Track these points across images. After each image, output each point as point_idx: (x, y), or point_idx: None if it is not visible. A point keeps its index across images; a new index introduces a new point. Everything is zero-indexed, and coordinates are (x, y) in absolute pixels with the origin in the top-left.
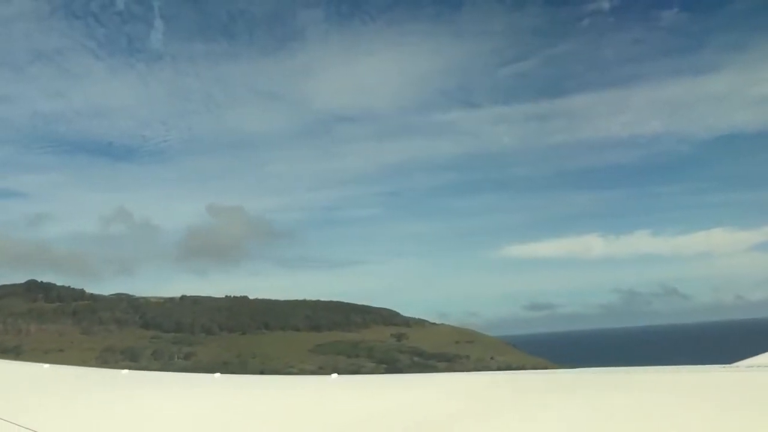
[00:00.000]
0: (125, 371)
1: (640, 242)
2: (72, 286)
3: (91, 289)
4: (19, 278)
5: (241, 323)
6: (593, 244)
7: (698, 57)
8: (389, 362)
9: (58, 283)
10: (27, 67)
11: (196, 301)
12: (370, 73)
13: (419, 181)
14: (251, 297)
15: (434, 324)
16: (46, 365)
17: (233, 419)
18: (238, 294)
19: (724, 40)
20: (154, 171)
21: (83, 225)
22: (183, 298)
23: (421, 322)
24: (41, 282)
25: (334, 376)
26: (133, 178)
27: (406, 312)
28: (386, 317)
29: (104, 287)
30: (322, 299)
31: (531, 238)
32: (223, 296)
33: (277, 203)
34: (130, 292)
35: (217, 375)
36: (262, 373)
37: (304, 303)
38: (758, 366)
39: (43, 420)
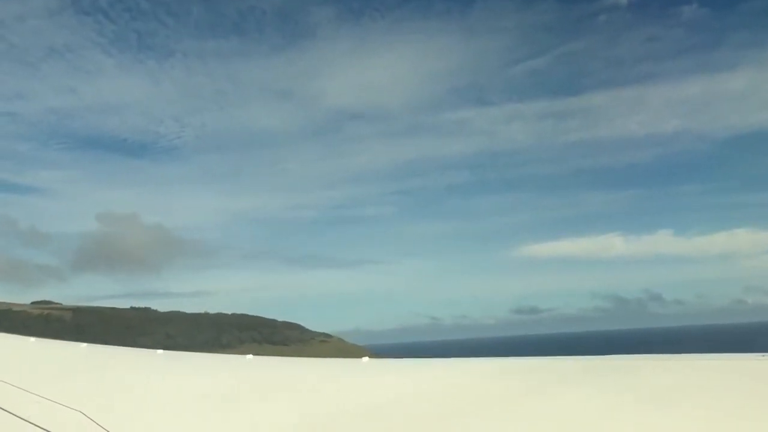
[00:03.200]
0: (160, 351)
1: (662, 242)
2: None
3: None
4: None
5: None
6: (613, 244)
7: (717, 54)
8: None
9: None
10: (39, 63)
11: (94, 311)
12: (380, 70)
13: (432, 179)
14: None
15: (324, 341)
16: (83, 344)
17: (268, 399)
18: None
19: (743, 37)
20: (168, 167)
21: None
22: (79, 309)
23: (321, 337)
24: None
25: (365, 359)
26: (147, 175)
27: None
28: (285, 332)
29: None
30: (231, 312)
31: (548, 238)
32: (129, 307)
33: (289, 201)
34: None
35: (250, 356)
36: None
37: (205, 316)
38: None
39: (86, 400)
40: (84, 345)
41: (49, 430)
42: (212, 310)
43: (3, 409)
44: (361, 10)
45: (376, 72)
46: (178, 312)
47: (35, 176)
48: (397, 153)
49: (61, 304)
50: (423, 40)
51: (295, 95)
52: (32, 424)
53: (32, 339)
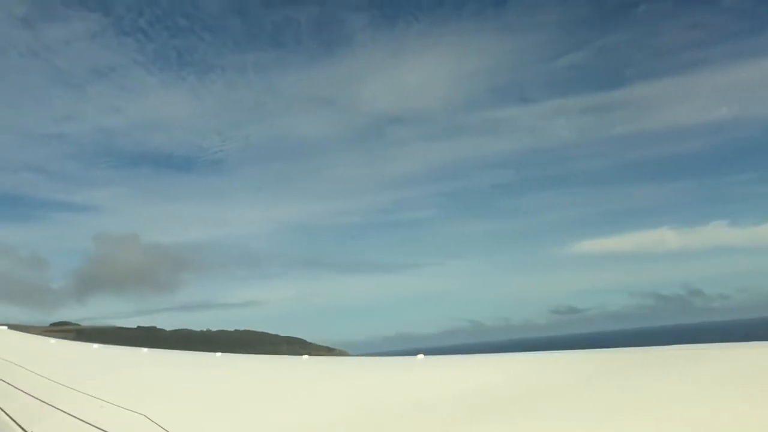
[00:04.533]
0: (219, 354)
1: (717, 234)
2: None
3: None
4: None
5: None
6: (665, 238)
7: (764, 37)
8: None
9: None
10: (85, 85)
11: (99, 332)
12: (418, 73)
13: (476, 180)
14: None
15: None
16: (145, 350)
17: (325, 398)
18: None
19: None
20: (212, 180)
21: (148, 238)
22: (82, 330)
23: (323, 351)
24: None
25: (421, 356)
26: (193, 189)
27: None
28: (285, 348)
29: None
30: (234, 329)
31: (596, 235)
32: (136, 327)
33: (333, 208)
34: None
35: (306, 357)
36: None
37: (206, 334)
38: None
39: (149, 403)
40: (145, 350)
41: None
42: (240, 325)
43: (70, 414)
44: (395, 15)
45: (414, 75)
46: (185, 330)
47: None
48: (440, 155)
49: (79, 324)
50: (459, 40)
51: (335, 102)
52: (97, 428)
53: (95, 346)
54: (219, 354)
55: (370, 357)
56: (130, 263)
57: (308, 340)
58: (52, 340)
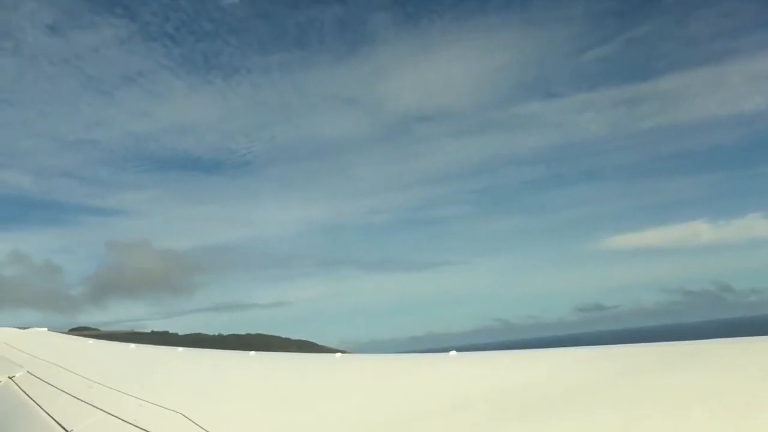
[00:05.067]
0: (252, 353)
1: (752, 226)
2: None
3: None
4: None
5: None
6: (699, 231)
7: None
8: None
9: None
10: (114, 91)
11: (115, 336)
12: (444, 70)
13: (506, 176)
14: (247, 332)
15: None
16: (180, 348)
17: (361, 395)
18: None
19: None
20: (241, 182)
21: (179, 240)
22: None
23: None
24: None
25: (453, 352)
26: (223, 191)
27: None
28: (294, 351)
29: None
30: (246, 332)
31: (630, 229)
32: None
33: (362, 207)
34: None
35: (339, 354)
36: None
37: (219, 338)
38: None
39: (186, 402)
40: (180, 349)
41: None
42: (267, 327)
43: (110, 413)
44: (418, 13)
45: (440, 72)
46: (197, 334)
47: (118, 199)
48: (468, 152)
49: (98, 329)
50: (484, 36)
51: (361, 102)
52: (137, 427)
53: (132, 345)
54: (253, 353)
55: (404, 354)
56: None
57: (319, 343)
58: (90, 341)
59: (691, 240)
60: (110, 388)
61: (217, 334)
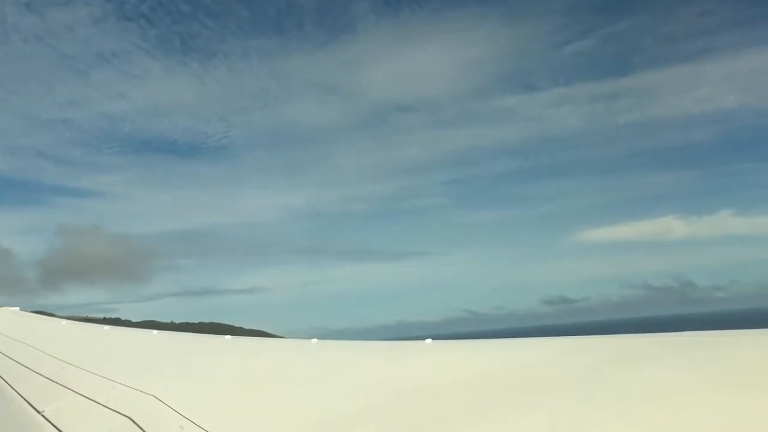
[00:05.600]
0: (228, 336)
1: (724, 222)
2: None
3: None
4: None
5: None
6: (671, 227)
7: None
8: None
9: None
10: (89, 70)
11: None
12: (424, 61)
13: (484, 168)
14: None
15: None
16: (155, 331)
17: (334, 381)
18: None
19: None
20: (216, 166)
21: (152, 224)
22: None
23: None
24: None
25: (429, 340)
26: (198, 175)
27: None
28: None
29: None
30: (198, 321)
31: (604, 223)
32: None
33: (339, 195)
34: None
35: (314, 340)
36: None
37: (170, 326)
38: None
39: (160, 385)
40: (155, 332)
41: (125, 414)
42: (195, 318)
43: (81, 394)
44: (398, 2)
45: (420, 63)
46: (149, 321)
47: (91, 180)
48: (447, 143)
49: (53, 314)
50: (464, 28)
51: (340, 89)
52: (110, 408)
53: (106, 327)
54: (228, 337)
55: (380, 341)
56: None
57: (272, 332)
58: (64, 321)
59: (664, 235)
60: (84, 369)
61: (169, 321)
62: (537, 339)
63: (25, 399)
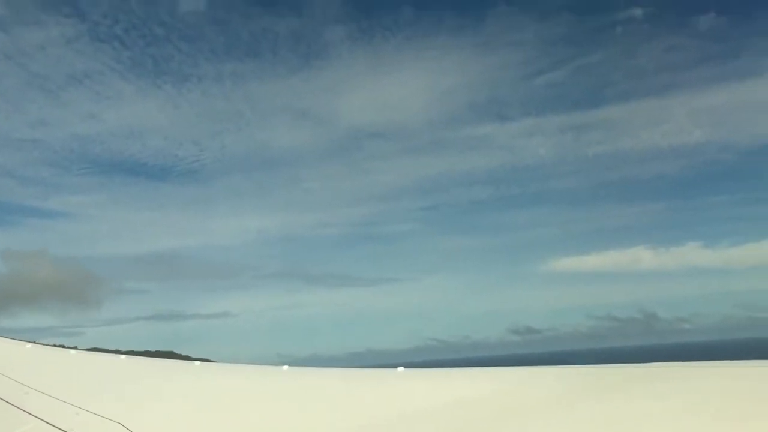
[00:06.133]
0: (197, 362)
1: (692, 254)
2: None
3: None
4: None
5: None
6: (642, 257)
7: (739, 62)
8: None
9: None
10: (60, 91)
11: None
12: (397, 88)
13: (455, 195)
14: None
15: None
16: (123, 356)
17: (305, 409)
18: None
19: (764, 45)
20: (188, 190)
21: (127, 245)
22: None
23: None
24: None
25: (401, 369)
26: (169, 198)
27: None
28: None
29: None
30: (144, 349)
31: (575, 253)
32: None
33: (311, 220)
34: None
35: (285, 367)
36: None
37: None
38: None
39: (125, 411)
40: (123, 357)
41: None
42: (158, 345)
43: (44, 420)
44: (372, 29)
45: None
46: (97, 349)
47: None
48: (419, 170)
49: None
50: (438, 56)
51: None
52: None
53: (72, 351)
54: (198, 362)
55: (355, 369)
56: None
57: (217, 361)
58: (28, 345)
59: (633, 265)
60: (47, 394)
61: (115, 349)
62: (501, 368)
63: None
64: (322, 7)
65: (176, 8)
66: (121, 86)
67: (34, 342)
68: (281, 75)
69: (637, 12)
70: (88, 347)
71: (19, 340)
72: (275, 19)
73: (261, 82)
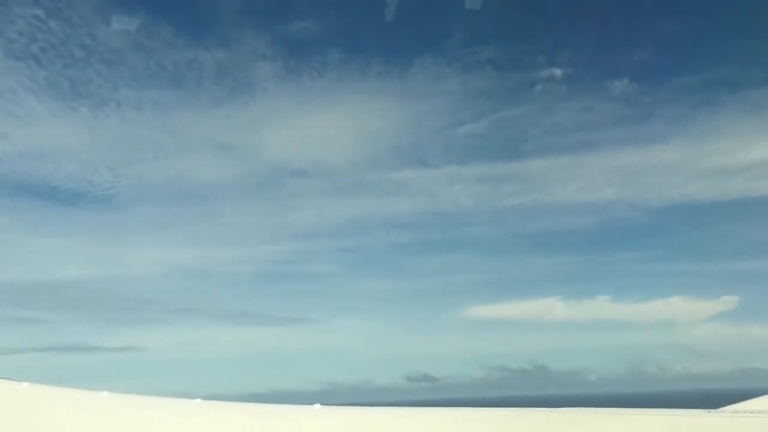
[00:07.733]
0: (104, 393)
1: (601, 308)
2: None
3: None
4: None
5: None
6: (554, 308)
7: (648, 127)
8: None
9: None
10: None
11: None
12: (321, 128)
13: (375, 238)
14: None
15: None
16: (25, 384)
17: None
18: None
19: (672, 112)
20: (100, 217)
21: (29, 272)
22: None
23: None
24: None
25: (317, 405)
26: (79, 224)
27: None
28: None
29: None
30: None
31: (490, 300)
32: None
33: (227, 255)
34: None
35: (198, 400)
36: None
37: None
38: (743, 412)
39: None
40: (26, 384)
41: None
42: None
43: None
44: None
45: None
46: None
47: None
48: (340, 210)
49: None
50: (363, 100)
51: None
52: None
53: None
54: (105, 393)
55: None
56: None
57: None
58: None
59: (545, 316)
60: None
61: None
62: (396, 408)
63: None
64: (251, 43)
65: (98, 32)
66: (33, 106)
67: None
68: (205, 107)
69: (557, 72)
70: None
71: None
72: (201, 51)
73: (183, 112)
